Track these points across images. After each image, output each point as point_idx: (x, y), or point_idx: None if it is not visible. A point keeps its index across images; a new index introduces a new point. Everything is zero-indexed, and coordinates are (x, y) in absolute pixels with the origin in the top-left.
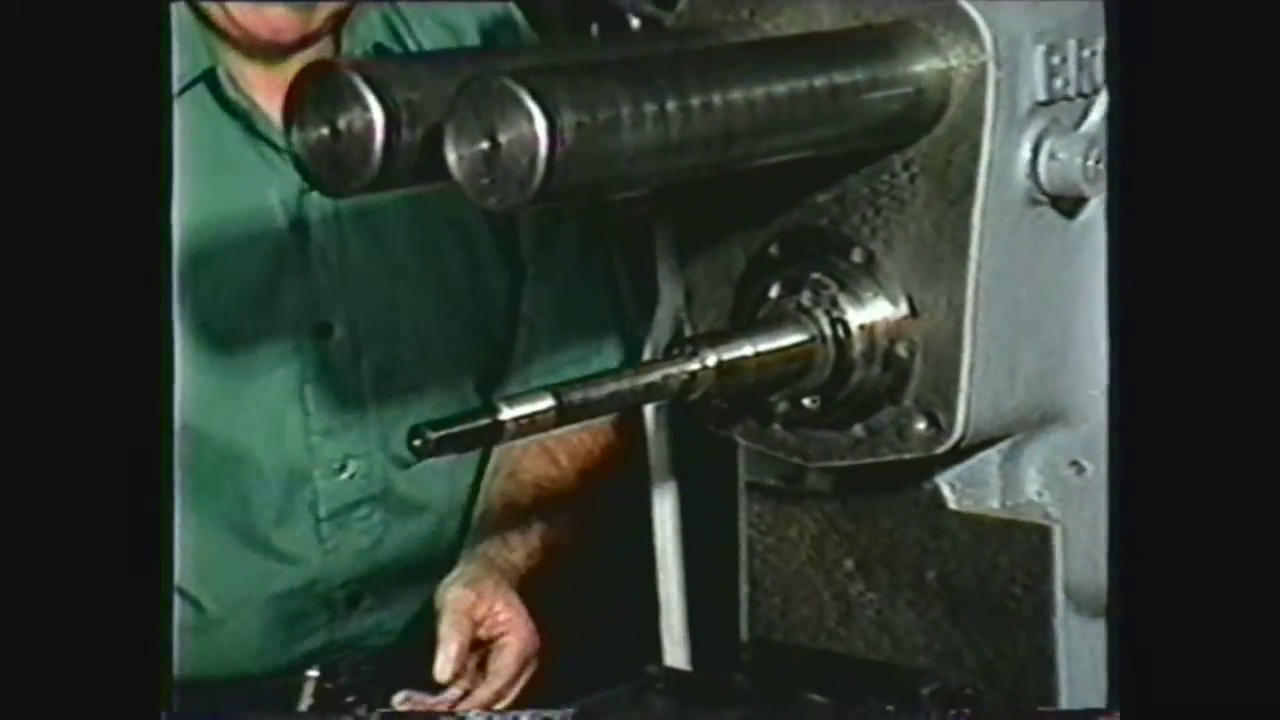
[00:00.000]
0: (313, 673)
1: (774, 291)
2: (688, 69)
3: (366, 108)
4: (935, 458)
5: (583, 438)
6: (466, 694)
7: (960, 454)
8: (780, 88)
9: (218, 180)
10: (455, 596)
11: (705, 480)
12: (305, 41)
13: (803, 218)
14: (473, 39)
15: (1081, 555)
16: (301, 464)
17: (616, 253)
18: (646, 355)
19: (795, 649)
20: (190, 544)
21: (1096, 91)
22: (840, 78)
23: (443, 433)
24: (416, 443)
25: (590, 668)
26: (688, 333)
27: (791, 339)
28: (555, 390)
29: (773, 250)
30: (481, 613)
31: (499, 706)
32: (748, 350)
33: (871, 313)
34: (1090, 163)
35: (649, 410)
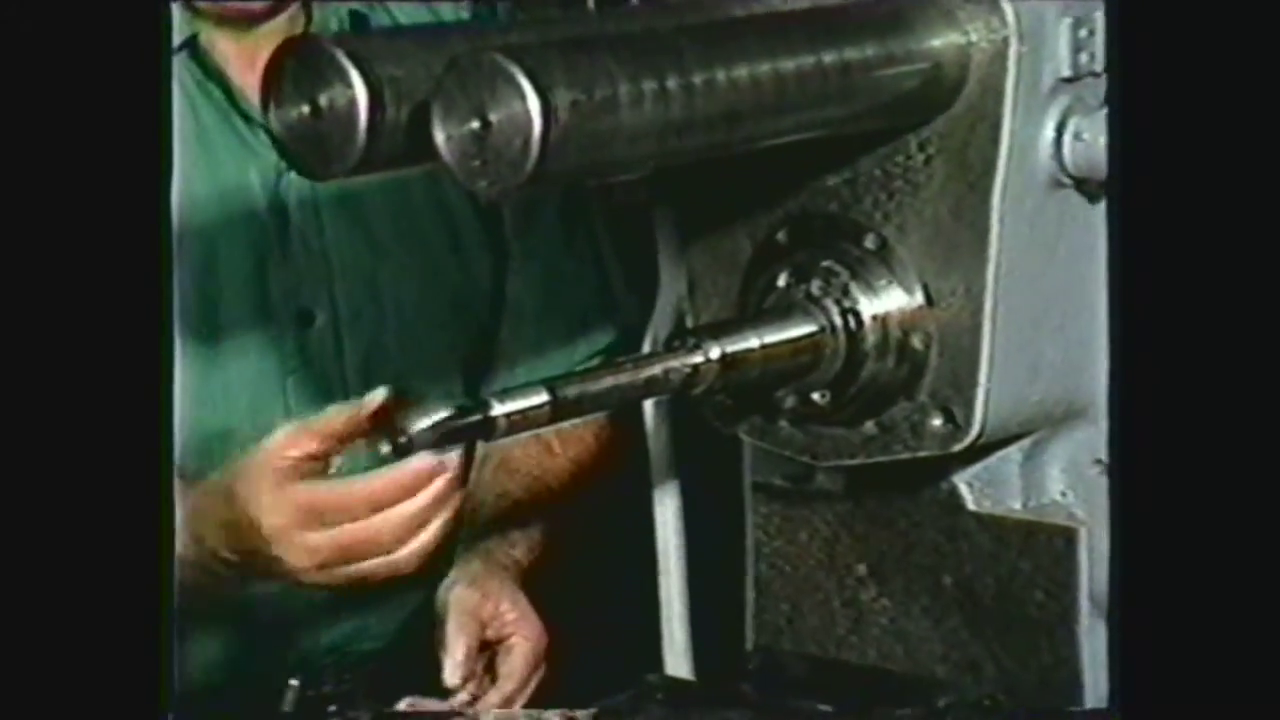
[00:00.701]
0: (294, 681)
1: (781, 280)
2: (690, 44)
3: (349, 84)
4: (953, 456)
5: (577, 424)
6: (475, 699)
7: (979, 452)
8: (788, 64)
9: (196, 158)
10: (459, 597)
11: (709, 480)
12: (275, 9)
13: (812, 202)
14: (450, 11)
15: (1108, 559)
16: None
17: (603, 232)
18: (646, 347)
19: (804, 658)
20: None
21: None
22: (852, 53)
23: (428, 426)
24: (401, 439)
25: (587, 677)
26: (690, 324)
27: (800, 330)
28: (549, 384)
29: (780, 236)
30: (488, 613)
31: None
32: (753, 342)
33: (885, 302)
34: None
35: (649, 406)
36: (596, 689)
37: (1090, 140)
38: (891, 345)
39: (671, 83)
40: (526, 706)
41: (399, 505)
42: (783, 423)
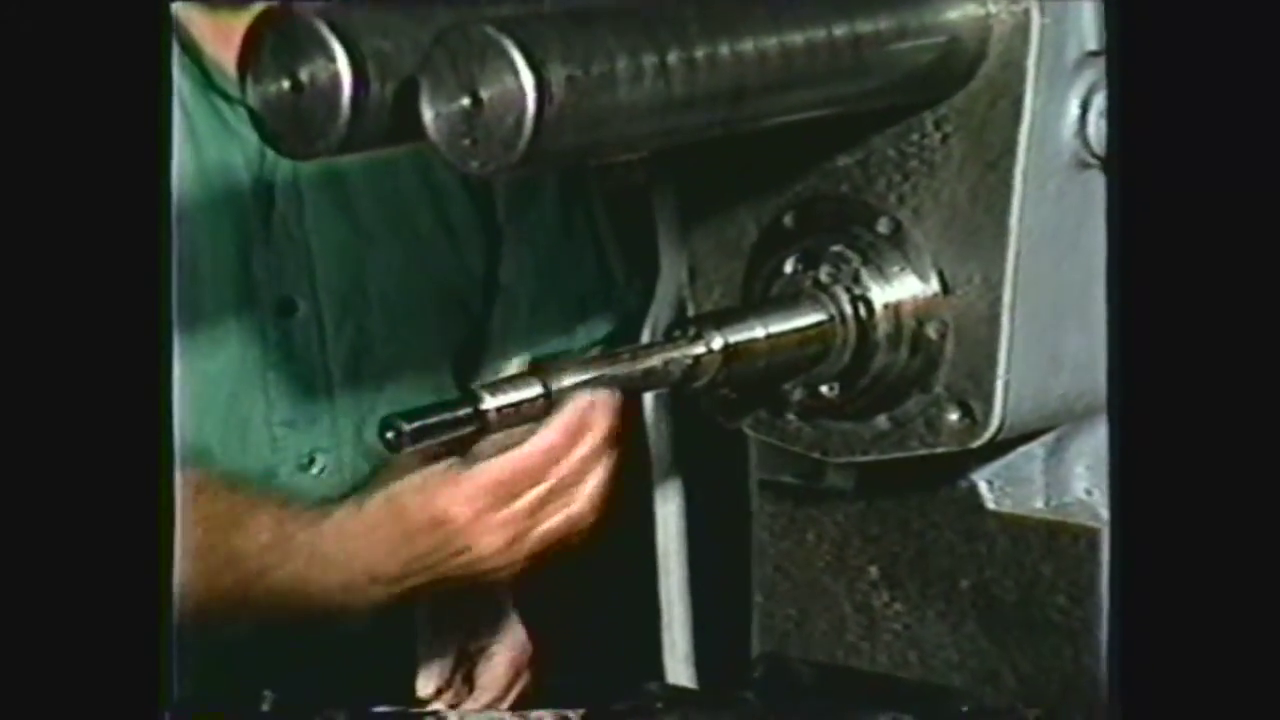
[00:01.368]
0: (268, 693)
1: (788, 266)
2: (692, 17)
3: (331, 58)
4: (970, 453)
5: None
6: (454, 708)
7: (998, 448)
8: (796, 38)
9: (178, 139)
10: (436, 603)
11: (711, 478)
12: None
13: (821, 184)
14: None
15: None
16: (264, 459)
17: (602, 212)
18: (645, 337)
19: (812, 666)
20: None
21: None
22: (864, 26)
23: (418, 424)
24: (389, 435)
25: (584, 685)
26: (691, 312)
27: (808, 319)
28: (542, 376)
29: (787, 220)
30: (466, 620)
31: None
32: (759, 332)
33: (898, 290)
34: None
35: (649, 400)
36: (593, 698)
37: None
38: (905, 335)
39: (673, 57)
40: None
41: (574, 449)
42: (790, 417)
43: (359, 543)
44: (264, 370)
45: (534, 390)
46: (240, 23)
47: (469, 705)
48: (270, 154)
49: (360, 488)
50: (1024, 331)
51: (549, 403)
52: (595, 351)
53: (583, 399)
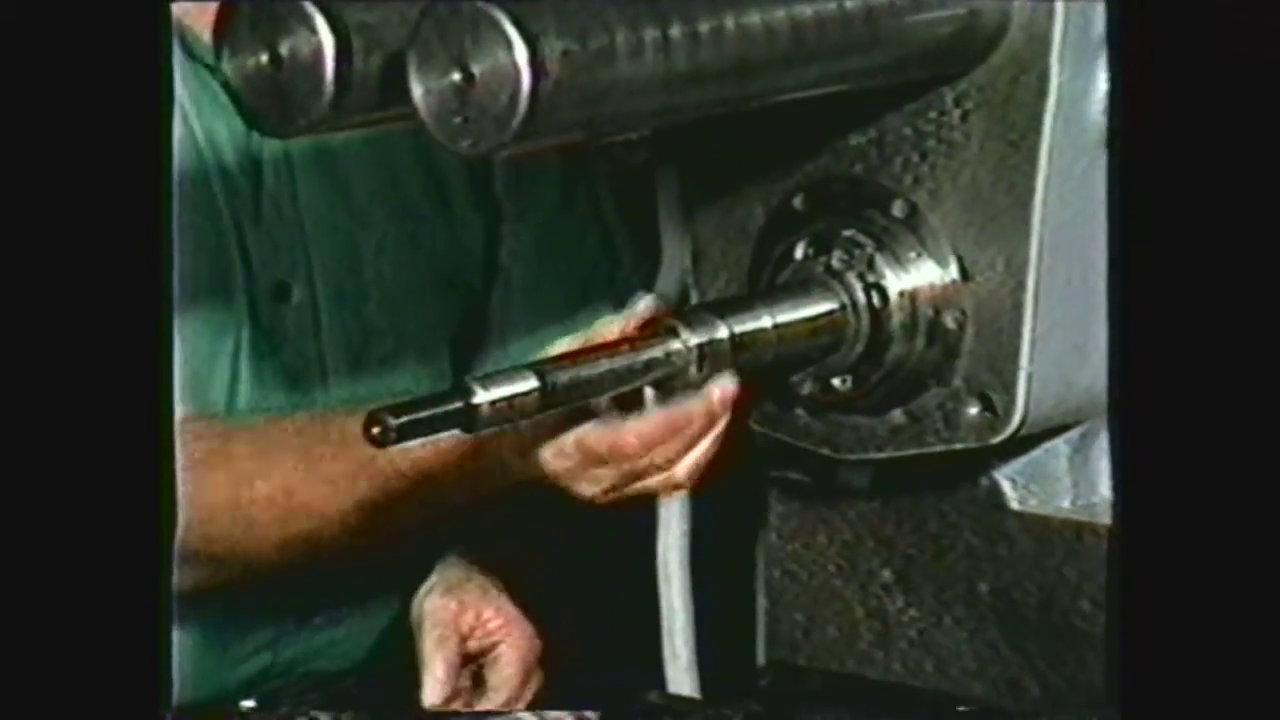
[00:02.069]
0: (249, 703)
1: (798, 252)
2: None
3: (314, 31)
4: (991, 449)
5: None
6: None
7: (1021, 444)
8: (805, 9)
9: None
10: (435, 607)
11: (716, 476)
12: None
13: (833, 164)
14: None
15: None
16: None
17: (606, 190)
18: None
19: (822, 675)
20: None
21: None
22: None
23: (406, 418)
24: (376, 430)
25: (581, 695)
26: (695, 300)
27: (818, 308)
28: (539, 369)
29: (797, 203)
30: (468, 623)
31: None
32: (766, 321)
33: (914, 277)
34: None
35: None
36: (591, 708)
37: None
38: (922, 325)
39: (675, 30)
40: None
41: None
42: (799, 411)
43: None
44: (257, 358)
45: (529, 384)
46: None
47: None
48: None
49: None
50: (1048, 320)
51: (544, 396)
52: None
53: (696, 403)
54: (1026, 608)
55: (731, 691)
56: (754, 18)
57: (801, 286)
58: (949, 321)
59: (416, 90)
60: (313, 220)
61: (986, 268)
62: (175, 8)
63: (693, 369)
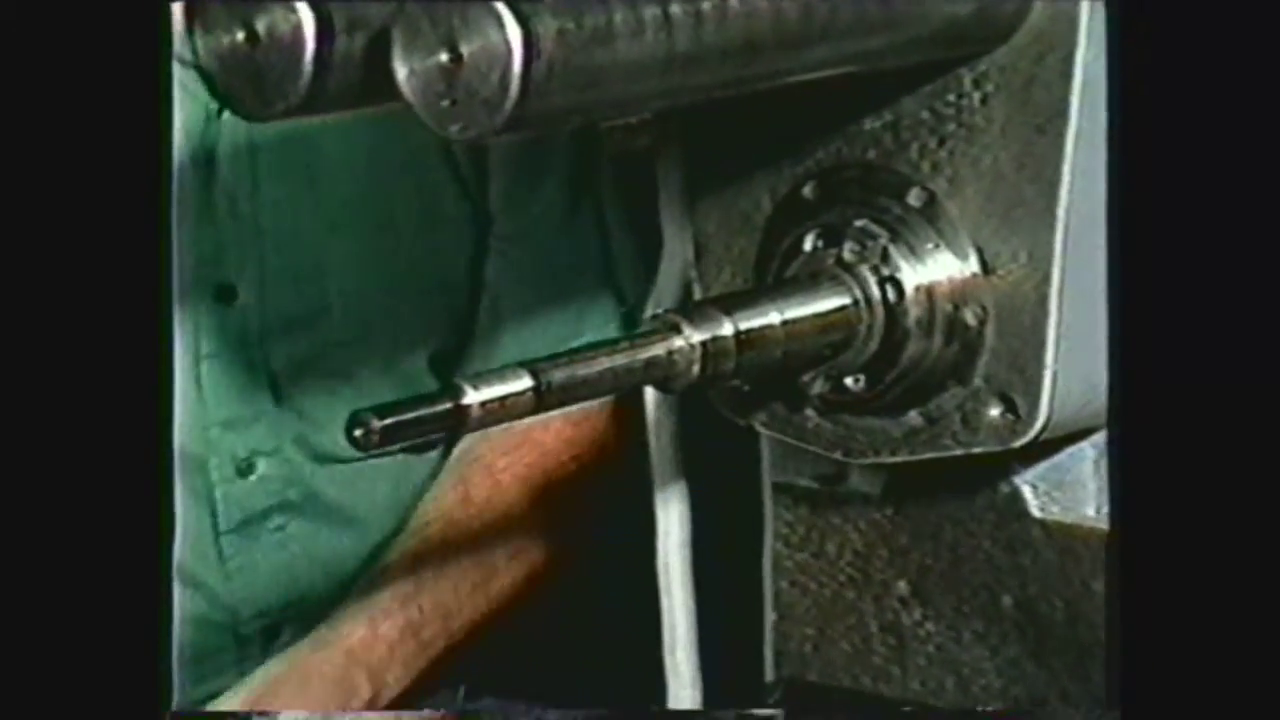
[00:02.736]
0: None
1: (808, 243)
2: None
3: (291, 8)
4: (1012, 453)
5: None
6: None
7: (1045, 448)
8: None
9: None
10: None
11: (720, 481)
12: None
13: (845, 150)
14: None
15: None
16: (197, 462)
17: (611, 201)
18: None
19: (833, 692)
20: None
21: None
22: None
23: (391, 420)
24: (358, 432)
25: (578, 711)
26: (698, 295)
27: (829, 303)
28: (533, 368)
29: (806, 191)
30: None
31: None
32: (774, 317)
33: (931, 270)
34: None
35: (649, 393)
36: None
37: None
38: (939, 321)
39: (677, 8)
40: None
41: None
42: (809, 412)
43: None
44: (197, 362)
45: (523, 384)
46: None
47: None
48: (217, 119)
49: (302, 498)
50: (1074, 317)
51: (539, 397)
52: None
53: None
54: (1052, 622)
55: (738, 709)
56: None
57: (811, 280)
58: (968, 317)
59: (401, 71)
60: (273, 221)
61: (1009, 260)
62: None
63: (696, 368)
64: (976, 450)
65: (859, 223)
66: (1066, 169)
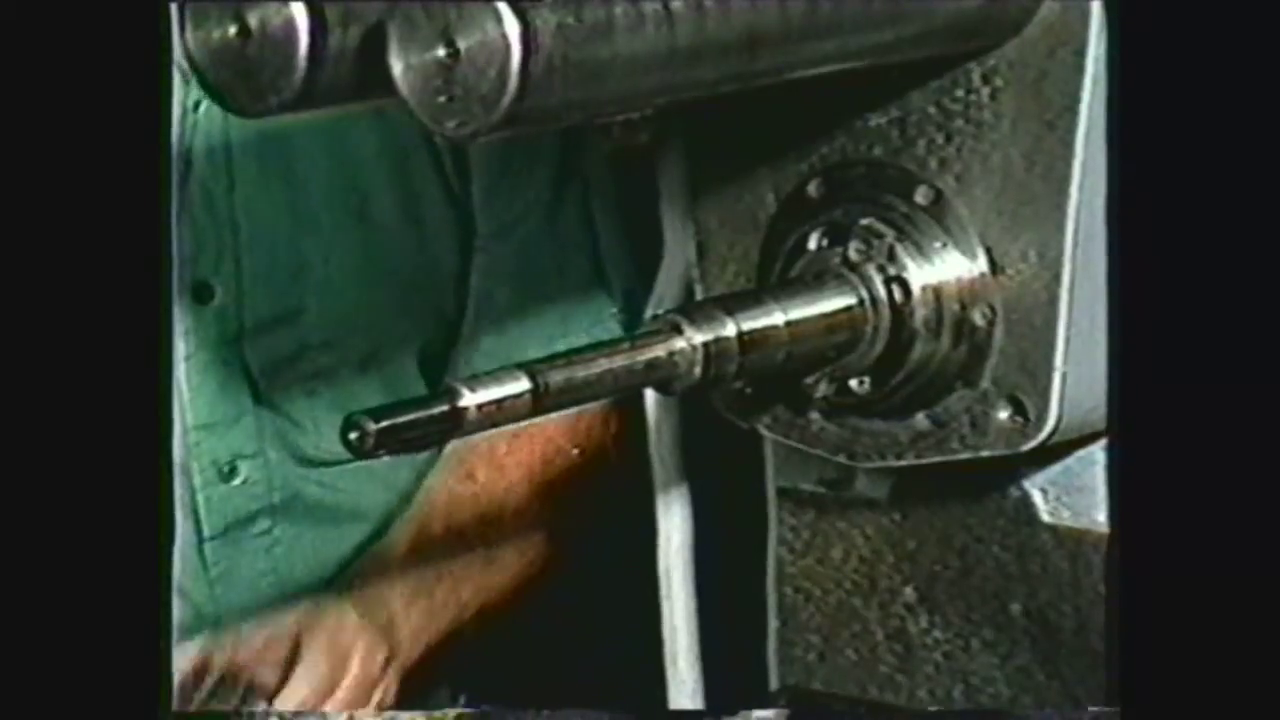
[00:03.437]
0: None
1: (812, 242)
2: None
3: (284, 2)
4: (1022, 457)
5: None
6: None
7: (1054, 451)
8: None
9: None
10: None
11: (723, 485)
12: None
13: (851, 147)
14: None
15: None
16: (179, 468)
17: (598, 196)
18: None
19: (839, 700)
20: None
21: None
22: None
23: (387, 423)
24: (353, 435)
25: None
26: (700, 295)
27: (834, 303)
28: (530, 370)
29: (811, 189)
30: None
31: None
32: (778, 318)
33: (939, 269)
34: None
35: (650, 396)
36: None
37: None
38: (947, 321)
39: (678, 2)
40: None
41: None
42: (814, 415)
43: None
44: (175, 365)
45: (520, 386)
46: None
47: None
48: (194, 113)
49: (286, 501)
50: (1084, 318)
51: (537, 399)
52: None
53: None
54: (1061, 629)
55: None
56: None
57: (816, 280)
58: (977, 318)
59: (397, 66)
60: (249, 218)
61: (1018, 259)
62: None
63: (697, 369)
64: (985, 454)
65: (865, 221)
66: (1077, 166)
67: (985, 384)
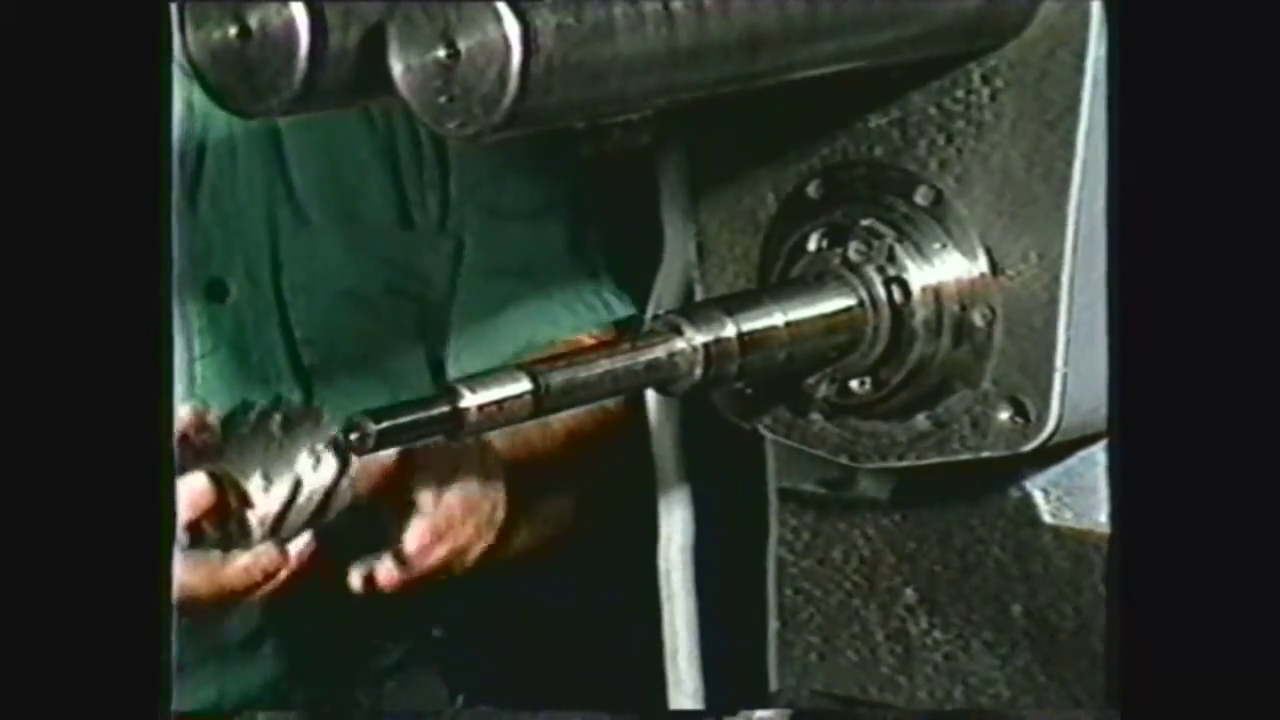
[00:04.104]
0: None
1: (812, 243)
2: None
3: (285, 1)
4: (1023, 457)
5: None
6: None
7: (1055, 452)
8: None
9: None
10: None
11: (723, 486)
12: None
13: (851, 148)
14: None
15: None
16: None
17: (586, 195)
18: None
19: (840, 701)
20: None
21: None
22: None
23: (387, 424)
24: (354, 436)
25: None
26: (700, 295)
27: (834, 303)
28: (531, 370)
29: (811, 190)
30: None
31: None
32: (778, 318)
33: (939, 270)
34: None
35: (651, 396)
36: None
37: None
38: (947, 322)
39: (678, 2)
40: None
41: None
42: (814, 416)
43: None
44: (191, 362)
45: (521, 386)
46: None
47: None
48: (202, 111)
49: None
50: (1085, 318)
51: (537, 400)
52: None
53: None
54: (1062, 630)
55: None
56: None
57: (816, 281)
58: (977, 319)
59: (397, 67)
60: (251, 216)
61: (1018, 260)
62: None
63: (698, 370)
64: (986, 454)
65: (865, 222)
66: (1078, 166)
67: (986, 384)
